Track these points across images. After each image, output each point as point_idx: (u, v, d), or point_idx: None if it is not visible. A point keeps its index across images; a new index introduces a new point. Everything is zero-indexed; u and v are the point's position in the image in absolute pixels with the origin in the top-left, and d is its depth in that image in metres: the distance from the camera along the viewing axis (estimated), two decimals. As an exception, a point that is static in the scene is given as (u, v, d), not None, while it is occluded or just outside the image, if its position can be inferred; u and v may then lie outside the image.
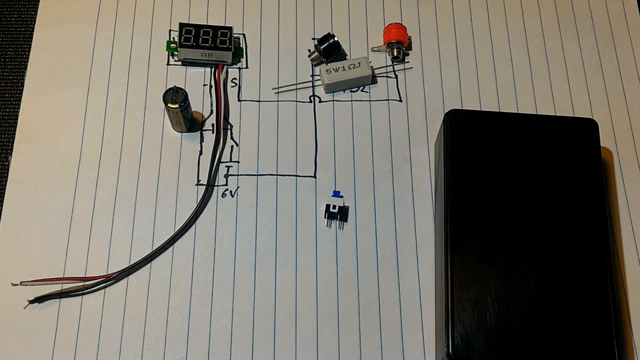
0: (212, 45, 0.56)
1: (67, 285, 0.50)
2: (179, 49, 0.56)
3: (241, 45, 0.59)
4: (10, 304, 0.49)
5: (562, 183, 0.50)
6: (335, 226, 0.53)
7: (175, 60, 0.58)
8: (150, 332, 0.49)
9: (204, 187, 0.53)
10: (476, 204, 0.49)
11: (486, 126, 0.52)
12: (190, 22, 0.59)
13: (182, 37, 0.56)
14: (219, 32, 0.56)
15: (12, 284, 0.49)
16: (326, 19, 0.61)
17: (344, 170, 0.55)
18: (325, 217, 0.53)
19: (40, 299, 0.49)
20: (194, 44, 0.56)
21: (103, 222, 0.52)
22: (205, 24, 0.59)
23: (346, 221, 0.53)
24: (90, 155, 0.54)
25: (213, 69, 0.58)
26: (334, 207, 0.52)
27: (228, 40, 0.56)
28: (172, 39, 0.59)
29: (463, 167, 0.50)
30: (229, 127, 0.56)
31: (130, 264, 0.51)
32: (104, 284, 0.50)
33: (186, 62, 0.58)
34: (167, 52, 0.59)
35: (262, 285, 0.51)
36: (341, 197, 0.53)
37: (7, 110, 0.57)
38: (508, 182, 0.50)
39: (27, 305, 0.49)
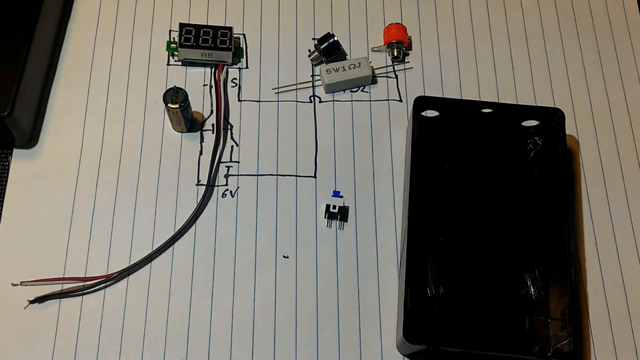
0: (212, 45, 0.56)
1: (67, 285, 0.50)
2: (179, 49, 0.56)
3: (241, 45, 0.59)
4: (11, 304, 0.49)
5: (525, 174, 0.52)
6: (335, 226, 0.53)
7: (175, 61, 0.58)
8: (150, 332, 0.49)
9: (204, 187, 0.53)
10: (435, 194, 0.52)
11: (450, 114, 0.53)
12: (190, 22, 0.59)
13: (182, 37, 0.56)
14: (219, 32, 0.56)
15: (12, 284, 0.49)
16: (326, 19, 0.61)
17: (344, 171, 0.55)
18: (325, 217, 0.53)
19: (40, 299, 0.49)
20: (194, 44, 0.56)
21: (103, 222, 0.52)
22: (206, 24, 0.59)
23: (346, 221, 0.53)
24: (91, 156, 0.54)
25: (213, 69, 0.58)
26: (334, 207, 0.52)
27: (228, 40, 0.56)
28: (172, 39, 0.59)
29: (424, 155, 0.52)
30: (229, 127, 0.56)
31: (131, 263, 0.51)
32: (104, 284, 0.50)
33: (186, 62, 0.58)
34: (167, 52, 0.59)
35: (262, 285, 0.51)
36: (341, 197, 0.53)
37: (7, 110, 0.57)
38: (469, 172, 0.52)
39: (27, 306, 0.49)
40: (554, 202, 0.50)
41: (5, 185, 0.53)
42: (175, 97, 0.52)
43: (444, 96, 0.57)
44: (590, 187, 0.55)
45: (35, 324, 0.49)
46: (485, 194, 0.52)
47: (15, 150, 0.54)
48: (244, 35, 0.59)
